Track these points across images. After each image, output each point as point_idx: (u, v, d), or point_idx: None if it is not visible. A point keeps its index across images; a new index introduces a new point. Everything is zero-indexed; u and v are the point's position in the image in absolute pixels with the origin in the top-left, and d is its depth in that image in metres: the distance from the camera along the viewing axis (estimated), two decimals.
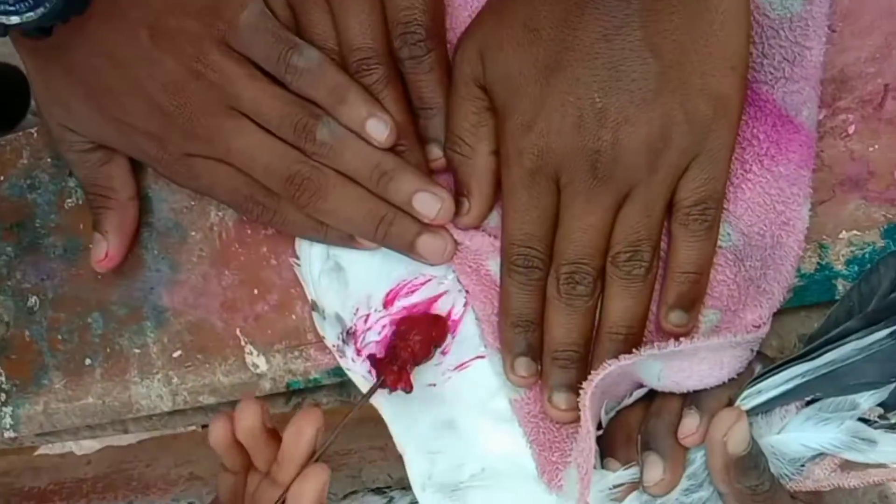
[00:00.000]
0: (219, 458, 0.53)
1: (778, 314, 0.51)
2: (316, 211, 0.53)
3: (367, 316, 0.56)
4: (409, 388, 0.52)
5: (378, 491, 0.56)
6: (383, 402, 0.55)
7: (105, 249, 0.59)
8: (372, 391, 0.52)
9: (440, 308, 0.55)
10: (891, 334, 0.46)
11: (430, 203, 0.52)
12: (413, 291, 0.55)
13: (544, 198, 0.50)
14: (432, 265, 0.54)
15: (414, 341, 0.53)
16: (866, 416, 0.48)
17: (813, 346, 0.48)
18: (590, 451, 0.48)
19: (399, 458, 0.55)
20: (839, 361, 0.47)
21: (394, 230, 0.53)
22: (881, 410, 0.47)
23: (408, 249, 0.53)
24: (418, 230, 0.53)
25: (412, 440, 0.55)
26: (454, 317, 0.55)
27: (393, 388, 0.52)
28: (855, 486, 0.48)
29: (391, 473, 0.66)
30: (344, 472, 0.70)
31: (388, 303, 0.55)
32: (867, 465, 0.48)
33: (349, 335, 0.56)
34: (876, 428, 0.48)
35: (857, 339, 0.46)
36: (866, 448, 0.48)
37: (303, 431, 0.49)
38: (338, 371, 0.58)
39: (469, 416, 0.54)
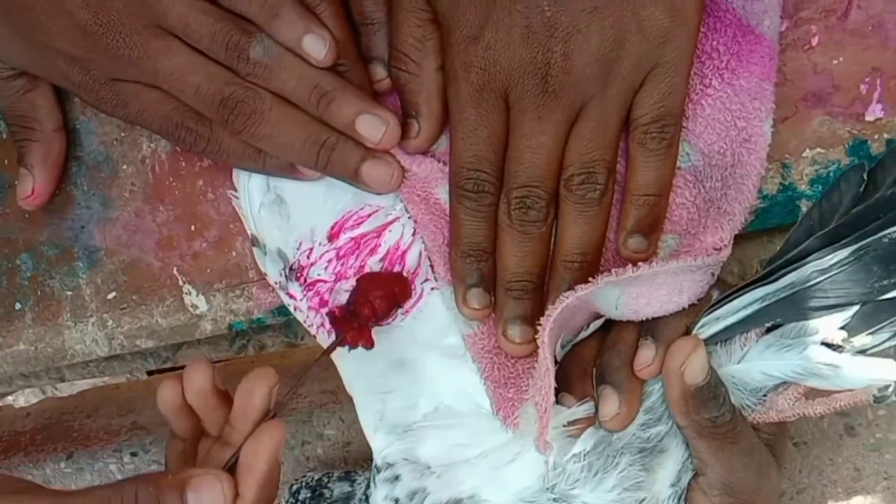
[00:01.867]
0: (168, 423, 0.51)
1: (740, 239, 0.50)
2: (252, 137, 0.50)
3: (311, 250, 0.53)
4: (370, 345, 0.50)
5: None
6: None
7: (31, 185, 0.56)
8: (330, 349, 0.51)
9: (388, 239, 0.52)
10: (853, 252, 0.45)
11: (374, 126, 0.49)
12: (360, 223, 0.53)
13: (493, 116, 0.48)
14: (378, 194, 0.52)
15: (375, 298, 0.51)
16: (829, 341, 0.46)
17: (772, 269, 0.47)
18: (549, 389, 0.47)
19: (350, 401, 0.54)
20: (799, 283, 0.46)
21: (336, 156, 0.50)
22: (845, 334, 0.46)
23: (352, 177, 0.51)
24: (362, 156, 0.50)
25: (363, 382, 0.54)
26: (402, 247, 0.52)
27: (353, 346, 0.51)
28: (821, 414, 0.47)
29: (342, 417, 0.64)
30: (294, 418, 0.69)
31: (332, 236, 0.53)
32: (832, 391, 0.46)
33: (292, 271, 0.54)
34: (840, 353, 0.46)
35: (818, 258, 0.45)
36: (830, 374, 0.46)
37: (255, 389, 0.47)
38: (282, 310, 0.56)
39: (420, 354, 0.53)
